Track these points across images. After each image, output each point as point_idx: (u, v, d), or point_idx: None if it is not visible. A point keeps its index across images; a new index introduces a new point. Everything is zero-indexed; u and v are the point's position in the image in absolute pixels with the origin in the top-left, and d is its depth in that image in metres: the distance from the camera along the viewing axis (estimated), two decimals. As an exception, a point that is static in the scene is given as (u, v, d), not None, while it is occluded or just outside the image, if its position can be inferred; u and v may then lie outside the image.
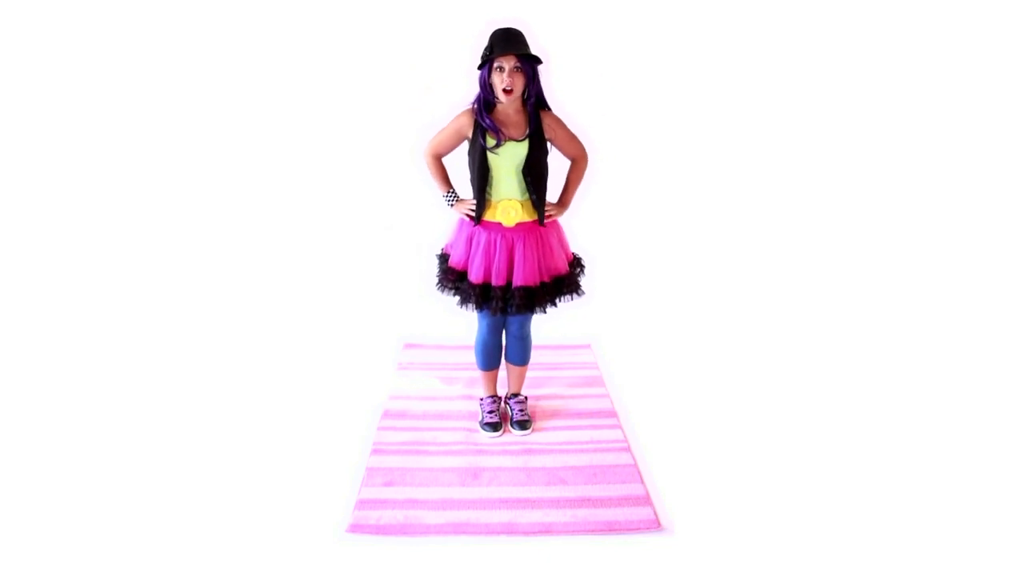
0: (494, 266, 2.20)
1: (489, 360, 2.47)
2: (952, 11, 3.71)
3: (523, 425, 2.44)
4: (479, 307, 2.23)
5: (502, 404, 2.56)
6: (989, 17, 3.62)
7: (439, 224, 2.49)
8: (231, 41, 3.94)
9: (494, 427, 2.43)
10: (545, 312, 2.27)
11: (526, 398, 2.56)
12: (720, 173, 4.29)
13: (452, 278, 2.27)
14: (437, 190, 2.32)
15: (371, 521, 1.93)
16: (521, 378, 2.53)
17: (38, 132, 3.91)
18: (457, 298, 2.27)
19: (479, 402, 2.57)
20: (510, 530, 1.90)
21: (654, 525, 1.93)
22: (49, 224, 3.93)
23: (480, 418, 2.48)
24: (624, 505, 2.01)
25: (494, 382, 2.53)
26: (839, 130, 4.09)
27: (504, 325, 2.39)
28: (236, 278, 3.82)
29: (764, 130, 4.18)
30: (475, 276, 2.22)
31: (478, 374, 2.75)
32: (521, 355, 2.46)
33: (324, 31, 3.96)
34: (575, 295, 2.31)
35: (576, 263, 2.37)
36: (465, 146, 2.22)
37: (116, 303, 3.46)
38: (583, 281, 2.36)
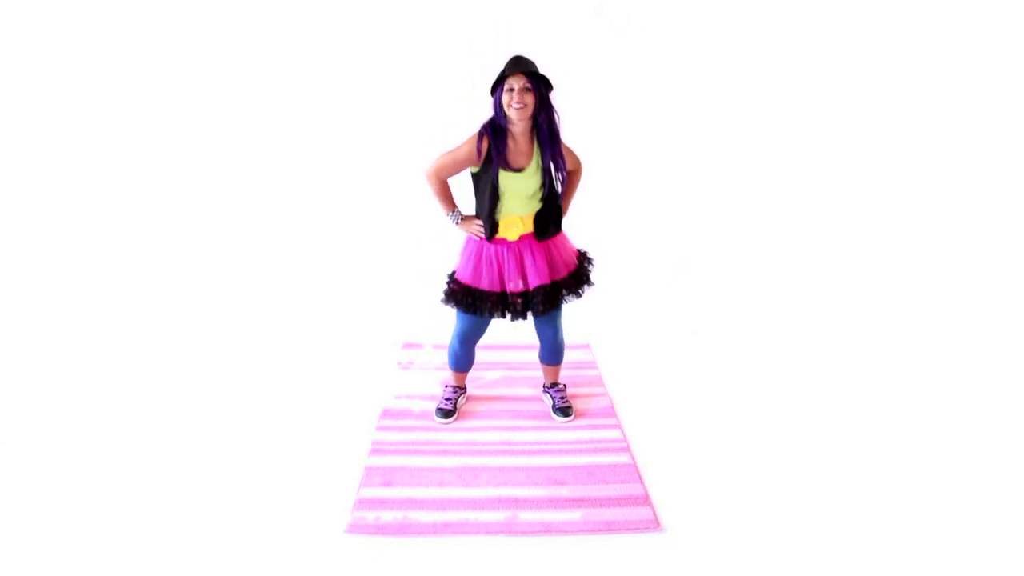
0: (506, 274, 2.28)
1: (460, 364, 2.55)
2: (952, 11, 3.71)
3: (565, 412, 2.51)
4: (496, 313, 2.30)
5: (460, 399, 2.60)
6: (989, 17, 3.62)
7: (438, 223, 2.49)
8: (230, 40, 3.94)
9: (446, 414, 2.49)
10: (562, 304, 2.34)
11: (565, 386, 2.62)
12: (719, 174, 4.30)
13: (460, 292, 2.31)
14: (441, 209, 2.35)
15: (369, 521, 1.93)
16: (557, 371, 2.60)
17: (44, 134, 3.92)
18: (472, 308, 2.31)
19: (442, 387, 2.65)
20: (509, 530, 1.90)
21: (653, 525, 1.93)
22: (59, 233, 3.94)
23: (439, 402, 2.54)
24: (623, 505, 2.01)
25: (463, 379, 2.61)
26: (836, 131, 4.09)
27: (538, 333, 2.47)
28: (236, 278, 3.83)
29: (763, 131, 4.18)
30: (488, 286, 2.29)
31: (479, 374, 2.82)
32: (556, 356, 2.54)
33: (326, 32, 3.96)
34: (586, 286, 2.38)
35: (582, 257, 2.42)
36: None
37: (114, 299, 3.47)
38: (592, 273, 2.41)
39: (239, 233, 4.15)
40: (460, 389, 2.60)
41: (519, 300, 2.28)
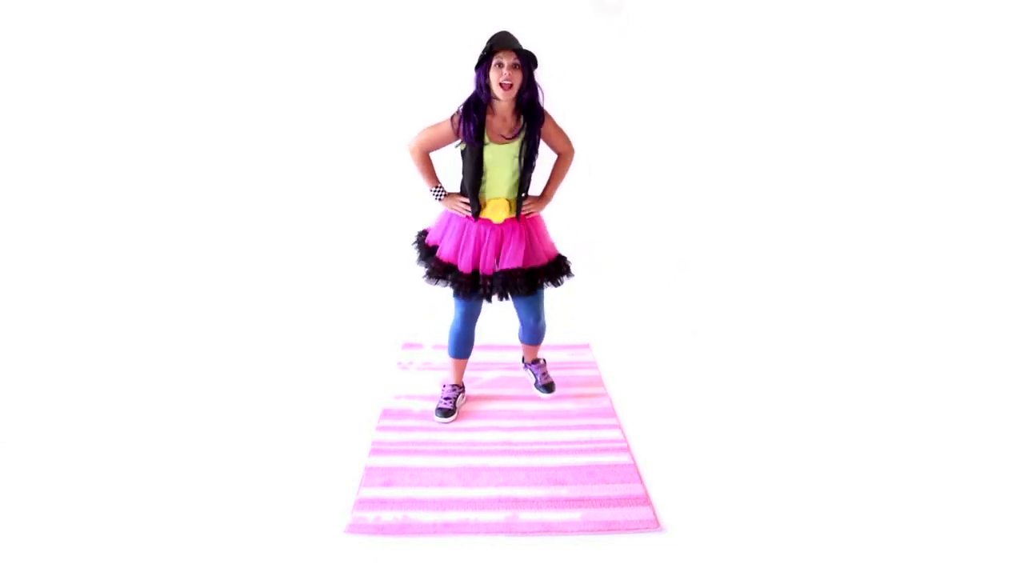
0: (482, 257, 2.28)
1: (460, 349, 2.53)
2: (952, 11, 3.70)
3: (548, 388, 2.55)
4: (467, 296, 2.30)
5: (460, 397, 2.58)
6: (989, 17, 3.62)
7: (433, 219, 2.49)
8: (230, 40, 3.94)
9: (445, 413, 2.48)
10: (541, 292, 2.36)
11: (545, 361, 2.65)
12: (720, 174, 4.30)
13: (441, 269, 2.31)
14: (424, 184, 2.36)
15: (369, 521, 1.93)
16: (536, 350, 2.62)
17: (42, 135, 3.91)
18: (450, 288, 2.33)
19: (441, 386, 2.63)
20: (509, 530, 1.90)
21: (653, 525, 1.93)
22: (59, 234, 3.94)
23: (438, 402, 2.54)
24: (623, 505, 2.01)
25: (462, 371, 2.60)
26: (837, 131, 4.09)
27: (519, 317, 2.49)
28: (236, 278, 3.82)
29: (763, 132, 4.18)
30: (464, 266, 2.29)
31: (479, 374, 2.80)
32: (535, 339, 2.57)
33: (326, 33, 3.96)
34: (566, 277, 2.39)
35: (560, 261, 2.40)
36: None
37: (115, 300, 3.47)
38: (566, 277, 2.40)
39: (239, 234, 4.15)
40: (459, 388, 2.59)
41: (488, 283, 2.29)
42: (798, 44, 4.01)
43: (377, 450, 2.29)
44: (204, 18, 3.90)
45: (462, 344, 2.52)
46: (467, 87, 2.18)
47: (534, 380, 2.59)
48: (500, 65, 2.05)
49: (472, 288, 2.30)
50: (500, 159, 2.18)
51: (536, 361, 2.64)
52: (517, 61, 2.06)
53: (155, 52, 3.92)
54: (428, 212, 2.56)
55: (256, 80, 4.02)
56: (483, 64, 2.09)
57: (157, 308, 3.46)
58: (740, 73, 4.11)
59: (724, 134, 4.22)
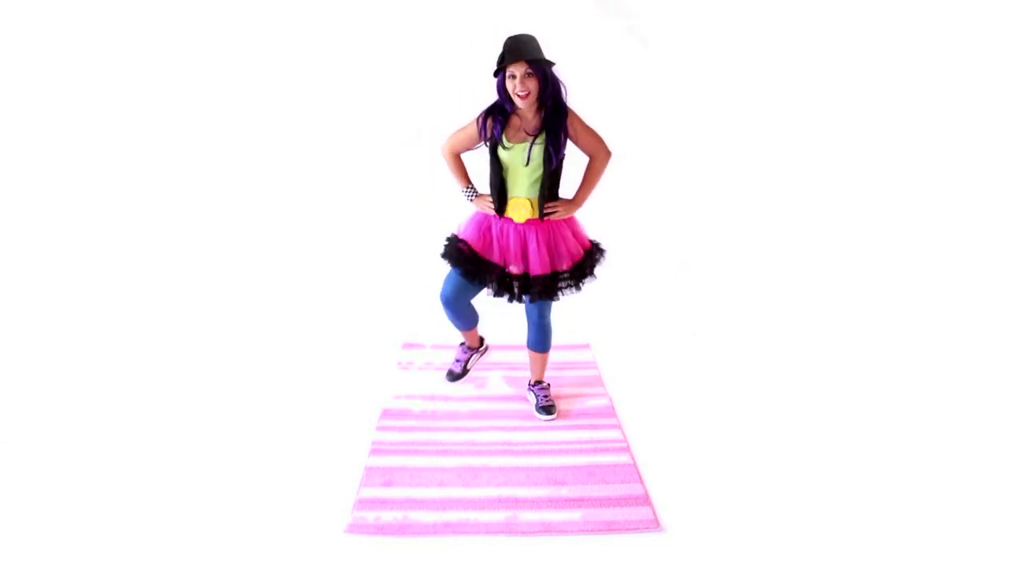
0: (509, 254, 2.28)
1: (459, 325, 2.59)
2: (952, 11, 3.71)
3: (548, 410, 2.51)
4: (493, 287, 2.30)
5: (472, 358, 2.73)
6: (989, 17, 3.62)
7: (438, 223, 2.50)
8: (229, 39, 3.94)
9: (454, 376, 2.69)
10: (559, 299, 2.33)
11: (549, 385, 2.63)
12: (720, 174, 4.30)
13: (467, 256, 2.30)
14: (456, 185, 2.39)
15: (369, 521, 1.93)
16: (543, 365, 2.60)
17: (43, 135, 3.92)
18: (467, 278, 2.31)
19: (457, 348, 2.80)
20: (509, 530, 1.90)
21: (653, 525, 1.93)
22: (59, 234, 3.94)
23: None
24: (623, 505, 2.01)
25: (474, 336, 2.70)
26: (838, 132, 4.09)
27: (527, 313, 2.48)
28: (236, 278, 3.82)
29: (763, 132, 4.19)
30: (495, 259, 2.31)
31: (480, 374, 2.84)
32: (542, 342, 2.53)
33: (326, 33, 3.96)
34: (588, 279, 2.34)
35: (595, 247, 2.37)
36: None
37: (115, 300, 3.47)
38: (600, 265, 2.36)
39: (240, 234, 4.15)
40: (472, 350, 2.65)
41: (517, 283, 2.28)
42: (797, 45, 4.01)
43: (377, 450, 2.29)
44: (206, 19, 3.90)
45: (458, 322, 2.56)
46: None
47: (535, 401, 2.56)
48: (513, 76, 2.06)
49: (504, 287, 2.29)
50: (520, 158, 2.17)
51: (540, 383, 2.61)
52: (529, 69, 2.05)
53: (161, 54, 3.92)
54: (429, 214, 2.57)
55: (258, 82, 4.03)
56: (499, 72, 2.10)
57: (158, 309, 3.46)
58: (739, 73, 4.11)
59: (724, 134, 4.23)
